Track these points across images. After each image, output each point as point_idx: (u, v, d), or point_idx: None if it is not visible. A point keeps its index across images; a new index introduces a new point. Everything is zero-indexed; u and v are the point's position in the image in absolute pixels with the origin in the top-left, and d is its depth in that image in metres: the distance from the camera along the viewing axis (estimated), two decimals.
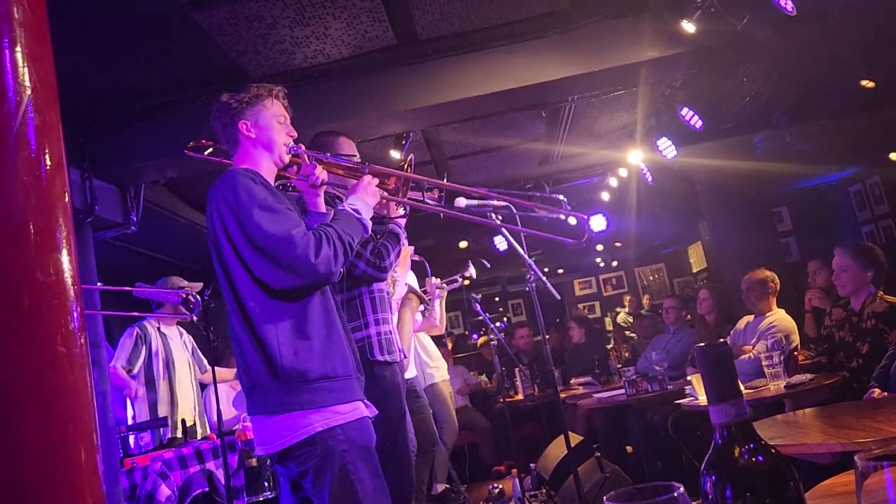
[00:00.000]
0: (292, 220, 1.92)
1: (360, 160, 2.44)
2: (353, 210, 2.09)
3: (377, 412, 2.09)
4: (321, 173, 2.17)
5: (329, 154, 2.29)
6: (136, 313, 4.42)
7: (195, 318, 3.71)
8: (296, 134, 2.19)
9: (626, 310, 10.73)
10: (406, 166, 2.36)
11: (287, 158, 2.15)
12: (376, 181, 2.22)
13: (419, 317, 4.43)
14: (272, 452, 1.92)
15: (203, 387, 4.79)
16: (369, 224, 2.13)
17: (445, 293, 4.56)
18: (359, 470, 1.88)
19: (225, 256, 1.95)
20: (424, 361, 5.07)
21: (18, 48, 0.64)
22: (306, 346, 1.90)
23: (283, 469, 2.00)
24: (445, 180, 2.51)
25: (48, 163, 0.66)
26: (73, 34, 3.34)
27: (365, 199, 2.15)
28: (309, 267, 1.86)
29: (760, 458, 0.74)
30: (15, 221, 0.63)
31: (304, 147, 2.20)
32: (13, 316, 0.61)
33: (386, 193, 2.29)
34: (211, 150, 2.36)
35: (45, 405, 0.62)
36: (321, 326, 1.96)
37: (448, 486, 5.38)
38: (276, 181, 2.17)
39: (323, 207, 2.21)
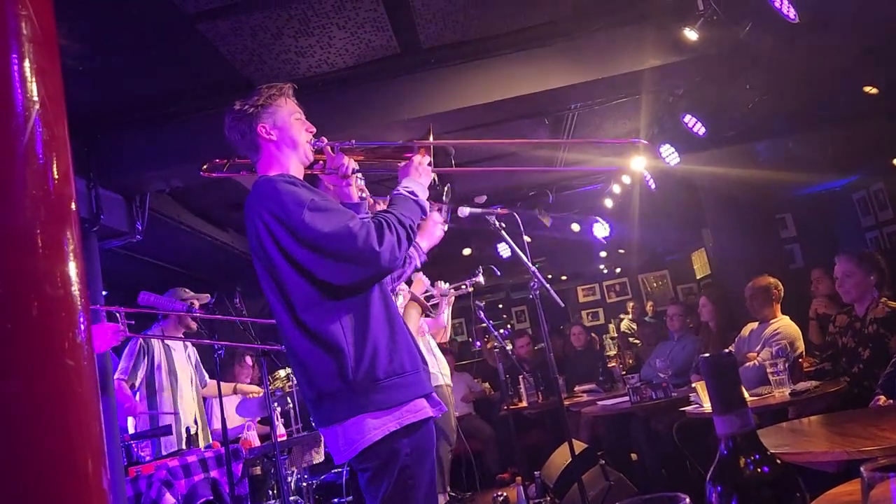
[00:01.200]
0: (345, 214, 1.88)
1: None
2: (409, 192, 2.03)
3: (445, 409, 2.07)
4: (349, 162, 2.12)
5: (353, 140, 2.21)
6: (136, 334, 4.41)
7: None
8: (314, 129, 2.14)
9: (630, 316, 10.71)
10: (429, 134, 2.28)
11: (312, 154, 2.11)
12: (427, 159, 2.15)
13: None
14: (349, 459, 1.87)
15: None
16: (427, 205, 2.08)
17: (453, 299, 4.55)
18: (416, 475, 1.86)
19: (277, 268, 1.89)
20: (430, 363, 5.04)
21: (27, 63, 0.65)
22: (373, 344, 1.86)
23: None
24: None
25: (56, 175, 0.66)
26: (79, 45, 3.36)
27: (418, 180, 2.09)
28: (374, 255, 1.81)
29: (766, 468, 0.73)
30: (23, 233, 0.63)
31: (326, 140, 2.15)
32: (21, 327, 0.62)
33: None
34: (227, 165, 2.30)
35: (52, 416, 0.63)
36: (384, 322, 1.92)
37: (452, 495, 5.36)
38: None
39: (356, 197, 2.16)
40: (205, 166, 2.31)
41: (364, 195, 2.25)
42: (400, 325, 1.97)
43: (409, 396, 1.88)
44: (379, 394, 1.84)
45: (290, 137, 2.06)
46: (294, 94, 2.16)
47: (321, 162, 2.16)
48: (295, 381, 4.42)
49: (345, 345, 1.84)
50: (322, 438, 4.03)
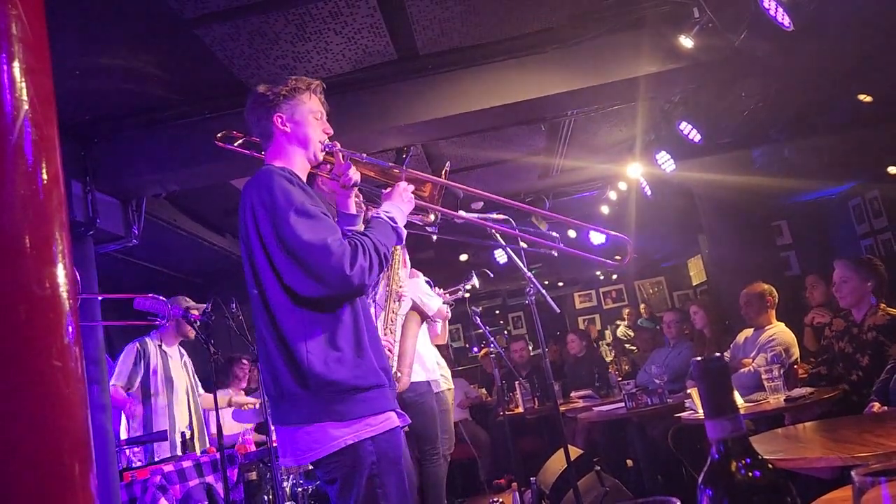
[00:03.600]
0: (329, 227, 1.86)
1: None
2: (389, 218, 2.02)
3: (409, 421, 2.05)
4: (354, 174, 2.10)
5: (364, 154, 2.20)
6: (137, 323, 4.40)
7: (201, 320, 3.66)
8: (332, 131, 2.14)
9: (626, 323, 10.72)
10: (444, 173, 2.29)
11: (321, 156, 2.10)
12: (412, 188, 2.14)
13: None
14: (302, 464, 1.87)
15: None
16: (404, 233, 2.06)
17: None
18: (386, 483, 1.84)
19: (255, 258, 1.90)
20: (431, 368, 5.01)
21: (16, 64, 0.65)
22: (336, 357, 1.84)
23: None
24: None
25: (45, 177, 0.66)
26: (76, 48, 3.36)
27: (400, 207, 2.07)
28: (342, 278, 1.80)
29: (757, 473, 0.73)
30: (11, 235, 0.63)
31: (339, 145, 2.13)
32: (8, 329, 0.61)
33: (421, 201, 2.19)
34: (241, 141, 2.29)
35: (39, 419, 0.62)
36: (351, 336, 1.90)
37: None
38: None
39: (353, 209, 2.14)
40: (220, 133, 2.30)
41: (360, 203, 2.24)
42: (368, 339, 1.94)
43: (370, 411, 1.86)
44: (339, 405, 1.82)
45: (304, 134, 2.06)
46: (324, 91, 2.16)
47: (329, 165, 2.15)
48: None
49: (304, 353, 1.83)
50: None
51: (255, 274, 1.92)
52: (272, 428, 3.95)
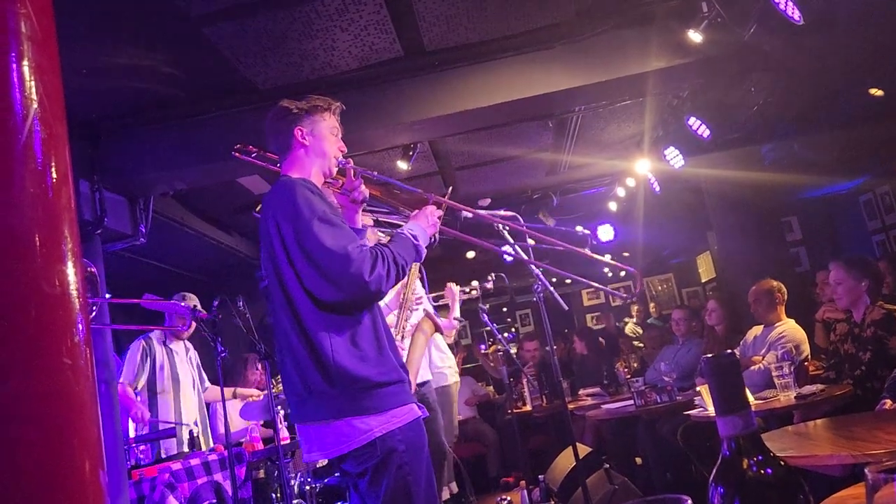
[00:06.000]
0: (349, 236, 1.96)
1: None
2: (412, 235, 2.13)
3: (427, 414, 2.14)
4: (364, 190, 2.22)
5: (376, 173, 2.31)
6: (141, 326, 4.45)
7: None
8: (346, 149, 2.26)
9: (634, 320, 10.68)
10: (447, 195, 2.40)
11: (335, 171, 2.21)
12: (440, 212, 2.25)
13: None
14: (333, 458, 1.96)
15: None
16: (424, 252, 2.16)
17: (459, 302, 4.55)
18: (414, 470, 1.94)
19: (280, 265, 1.99)
20: (435, 362, 5.01)
21: (26, 62, 0.65)
22: (360, 355, 1.94)
23: (342, 470, 2.06)
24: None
25: (54, 175, 0.66)
26: (83, 46, 3.37)
27: (424, 228, 2.18)
28: (360, 284, 1.89)
29: (769, 470, 0.73)
30: (21, 233, 0.63)
31: (352, 162, 2.25)
32: (19, 328, 0.62)
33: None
34: (256, 154, 2.43)
35: (50, 417, 0.62)
36: (371, 336, 2.00)
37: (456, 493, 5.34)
38: None
39: (360, 223, 2.26)
40: (237, 146, 2.43)
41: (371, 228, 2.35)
42: (384, 340, 2.04)
43: (395, 404, 1.96)
44: (367, 400, 1.92)
45: (322, 148, 2.18)
46: (341, 112, 2.29)
47: (340, 180, 2.26)
48: None
49: (329, 353, 1.92)
50: None
51: (279, 279, 2.01)
52: (279, 427, 3.98)
